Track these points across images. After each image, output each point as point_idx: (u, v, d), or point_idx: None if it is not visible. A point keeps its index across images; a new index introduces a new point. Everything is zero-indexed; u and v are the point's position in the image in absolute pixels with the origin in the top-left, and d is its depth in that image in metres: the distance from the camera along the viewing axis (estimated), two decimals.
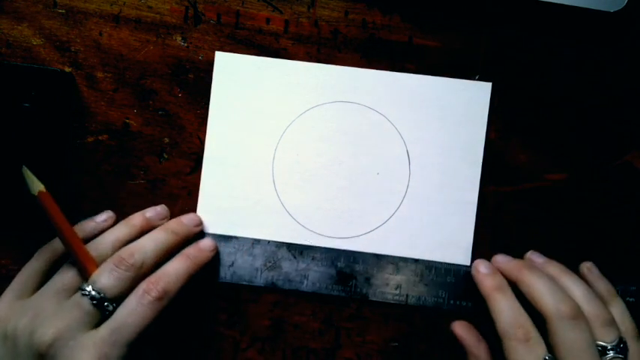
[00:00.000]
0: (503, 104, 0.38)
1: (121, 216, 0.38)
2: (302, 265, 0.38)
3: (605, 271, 0.38)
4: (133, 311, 0.32)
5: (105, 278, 0.32)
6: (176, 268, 0.34)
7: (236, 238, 0.38)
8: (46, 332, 0.31)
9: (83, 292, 0.32)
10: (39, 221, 0.37)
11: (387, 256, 0.38)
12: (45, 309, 0.32)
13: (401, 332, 0.39)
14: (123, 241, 0.35)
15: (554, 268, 0.36)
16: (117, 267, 0.33)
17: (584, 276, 0.37)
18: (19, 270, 0.34)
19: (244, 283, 0.38)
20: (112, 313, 0.32)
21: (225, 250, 0.38)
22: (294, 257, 0.38)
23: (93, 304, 0.32)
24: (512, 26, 0.38)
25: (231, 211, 0.38)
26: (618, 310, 0.35)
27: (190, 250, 0.36)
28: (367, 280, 0.38)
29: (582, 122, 0.38)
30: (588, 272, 0.37)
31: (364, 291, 0.38)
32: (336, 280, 0.38)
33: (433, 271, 0.38)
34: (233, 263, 0.38)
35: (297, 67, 0.38)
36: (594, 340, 0.32)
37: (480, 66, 0.38)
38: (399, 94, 0.38)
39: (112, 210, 0.38)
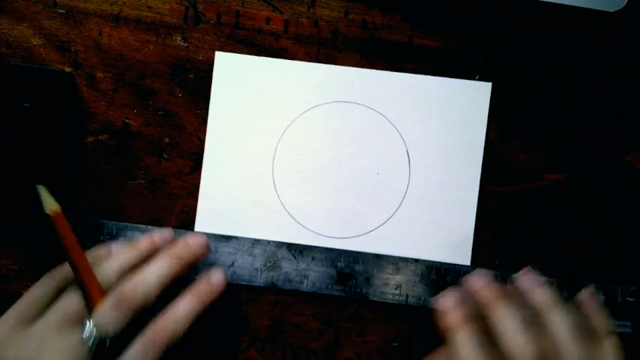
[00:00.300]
0: (503, 104, 0.38)
1: (121, 216, 0.38)
2: (302, 265, 0.38)
3: (605, 271, 0.38)
4: None
5: (106, 316, 0.31)
6: (184, 311, 0.33)
7: (236, 238, 0.38)
8: None
9: (84, 329, 0.31)
10: (38, 221, 0.37)
11: (387, 256, 0.38)
12: (47, 342, 0.31)
13: (401, 332, 0.39)
14: (128, 267, 0.34)
15: (543, 298, 0.32)
16: (119, 305, 0.32)
17: (582, 304, 0.34)
18: (19, 270, 0.34)
19: (244, 283, 0.38)
20: (112, 347, 0.31)
21: (225, 250, 0.38)
22: (294, 257, 0.38)
23: (93, 343, 0.31)
24: (512, 26, 0.38)
25: (231, 211, 0.38)
26: (608, 349, 0.32)
27: (201, 287, 0.34)
28: (367, 280, 0.38)
29: (582, 122, 0.38)
30: (587, 301, 0.34)
31: (364, 291, 0.38)
32: (336, 280, 0.38)
33: (433, 271, 0.38)
34: (233, 263, 0.38)
35: (297, 67, 0.38)
36: None
37: (479, 66, 0.38)
38: (399, 94, 0.38)
39: (112, 210, 0.38)
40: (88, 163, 0.38)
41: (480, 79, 0.38)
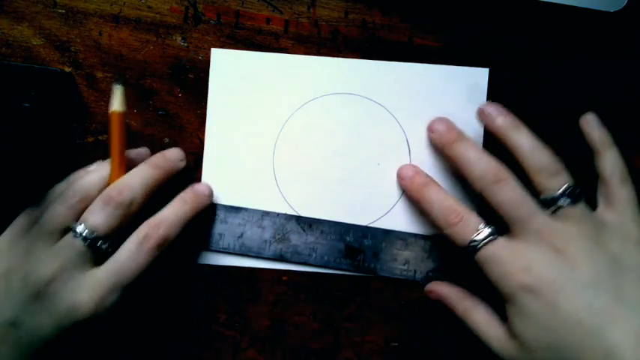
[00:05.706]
0: (503, 104, 0.38)
1: None
2: (311, 239, 0.38)
3: None
4: (133, 255, 0.33)
5: (95, 217, 0.33)
6: (175, 214, 0.34)
7: (245, 209, 0.38)
8: (43, 272, 0.32)
9: (74, 232, 0.32)
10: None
11: (396, 231, 0.38)
12: (38, 249, 0.32)
13: (401, 332, 0.38)
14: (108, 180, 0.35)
15: (504, 122, 0.34)
16: (106, 205, 0.33)
17: (582, 127, 0.36)
18: None
19: (252, 254, 0.38)
20: (106, 251, 0.33)
21: (235, 221, 0.38)
22: (303, 230, 0.38)
23: (86, 243, 0.32)
24: (512, 26, 0.38)
25: None
26: (609, 160, 0.34)
27: (187, 195, 0.36)
28: (375, 254, 0.38)
29: None
30: (585, 123, 0.36)
31: (372, 265, 0.38)
32: (344, 254, 0.38)
33: (442, 247, 0.38)
34: (242, 234, 0.38)
35: (294, 61, 0.38)
36: (527, 193, 0.33)
37: (479, 66, 0.38)
38: (397, 84, 0.38)
39: None
40: (88, 163, 0.38)
41: None
